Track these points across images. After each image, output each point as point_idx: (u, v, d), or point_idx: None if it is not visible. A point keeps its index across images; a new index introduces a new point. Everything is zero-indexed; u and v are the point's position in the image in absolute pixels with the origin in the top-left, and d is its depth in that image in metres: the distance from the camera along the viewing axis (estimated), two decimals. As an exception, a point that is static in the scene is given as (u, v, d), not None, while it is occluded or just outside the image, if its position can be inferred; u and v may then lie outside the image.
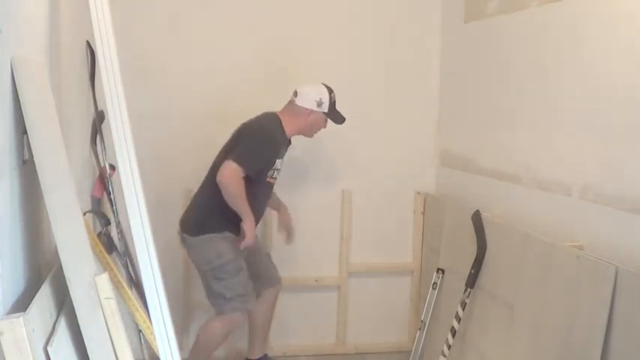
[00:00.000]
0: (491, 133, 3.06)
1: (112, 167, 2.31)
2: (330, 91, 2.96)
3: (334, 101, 2.97)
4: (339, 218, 3.56)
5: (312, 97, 2.91)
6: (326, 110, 2.93)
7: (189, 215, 2.94)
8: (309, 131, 3.01)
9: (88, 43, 2.41)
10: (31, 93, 1.48)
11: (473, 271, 2.76)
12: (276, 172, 2.92)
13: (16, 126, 1.45)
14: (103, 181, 2.36)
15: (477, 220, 2.82)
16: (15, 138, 1.44)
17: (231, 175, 2.68)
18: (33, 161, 1.47)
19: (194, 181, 3.34)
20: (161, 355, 1.93)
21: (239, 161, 2.69)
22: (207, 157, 3.34)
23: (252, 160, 2.75)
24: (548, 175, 2.58)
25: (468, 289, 2.77)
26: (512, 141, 2.85)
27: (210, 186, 2.80)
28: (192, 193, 3.34)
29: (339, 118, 3.00)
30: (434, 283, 3.19)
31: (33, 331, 1.26)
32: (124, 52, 2.05)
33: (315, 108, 2.91)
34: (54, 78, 1.96)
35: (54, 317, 1.51)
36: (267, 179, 2.89)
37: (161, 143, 3.26)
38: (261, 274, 3.04)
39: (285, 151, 3.00)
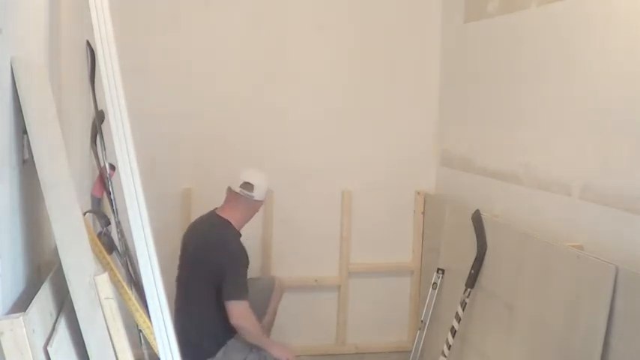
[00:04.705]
0: (492, 132, 3.06)
1: (112, 167, 2.31)
2: None
3: None
4: (339, 218, 3.56)
5: (265, 188, 2.76)
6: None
7: (193, 343, 2.57)
8: (249, 219, 2.89)
9: (88, 43, 2.41)
10: (31, 93, 1.47)
11: (473, 271, 2.76)
12: None
13: (16, 126, 1.44)
14: (103, 181, 2.36)
15: (477, 220, 2.82)
16: (15, 138, 1.44)
17: (247, 316, 2.61)
18: (33, 161, 1.46)
19: (194, 181, 3.35)
20: (161, 355, 1.93)
21: (242, 297, 2.59)
22: (207, 157, 3.35)
23: (246, 287, 2.66)
24: (548, 174, 2.58)
25: (468, 289, 2.77)
26: (513, 141, 2.85)
27: (199, 311, 2.66)
28: (191, 194, 3.34)
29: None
30: (434, 283, 3.19)
31: (33, 331, 1.26)
32: (124, 52, 2.05)
33: (264, 198, 2.79)
34: (54, 78, 1.96)
35: (54, 317, 1.51)
36: None
37: (161, 143, 3.26)
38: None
39: None
